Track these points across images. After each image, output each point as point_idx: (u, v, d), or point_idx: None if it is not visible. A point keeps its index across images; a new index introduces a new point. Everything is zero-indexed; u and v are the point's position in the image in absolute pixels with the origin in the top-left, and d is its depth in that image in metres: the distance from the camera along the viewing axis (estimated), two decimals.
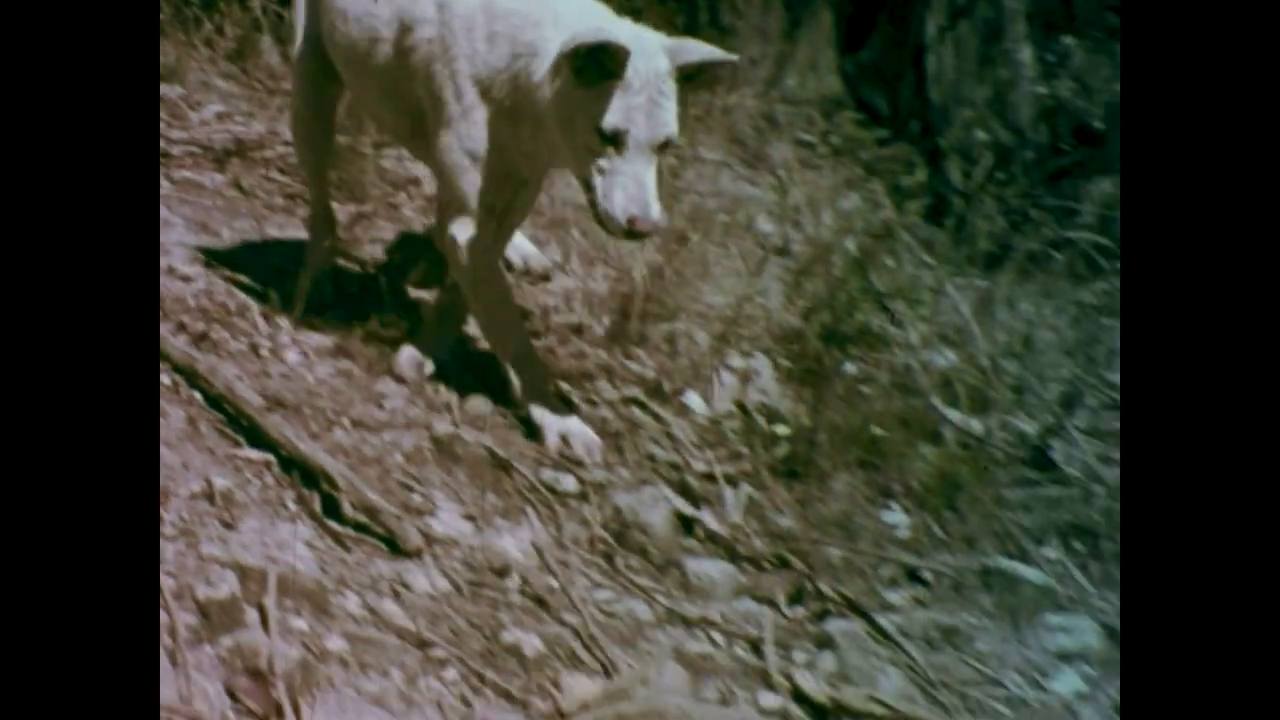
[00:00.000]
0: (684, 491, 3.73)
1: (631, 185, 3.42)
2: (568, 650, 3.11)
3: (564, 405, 3.80)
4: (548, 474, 3.60)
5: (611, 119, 3.42)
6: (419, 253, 4.34)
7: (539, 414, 3.75)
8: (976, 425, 4.16)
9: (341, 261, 4.35)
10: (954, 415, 4.20)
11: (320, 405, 3.56)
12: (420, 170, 4.87)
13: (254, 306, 3.87)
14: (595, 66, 3.41)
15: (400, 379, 3.78)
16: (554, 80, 3.49)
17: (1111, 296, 4.81)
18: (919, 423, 4.09)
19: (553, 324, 4.26)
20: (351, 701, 2.77)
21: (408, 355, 3.82)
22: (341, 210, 4.61)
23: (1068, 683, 3.60)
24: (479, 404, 3.78)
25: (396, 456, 3.48)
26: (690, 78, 3.49)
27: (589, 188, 3.47)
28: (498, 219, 3.76)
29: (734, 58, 3.52)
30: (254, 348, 3.73)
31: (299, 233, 4.44)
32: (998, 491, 3.99)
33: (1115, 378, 4.66)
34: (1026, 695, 3.53)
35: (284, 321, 3.86)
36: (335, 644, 2.87)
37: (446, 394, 3.78)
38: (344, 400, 3.62)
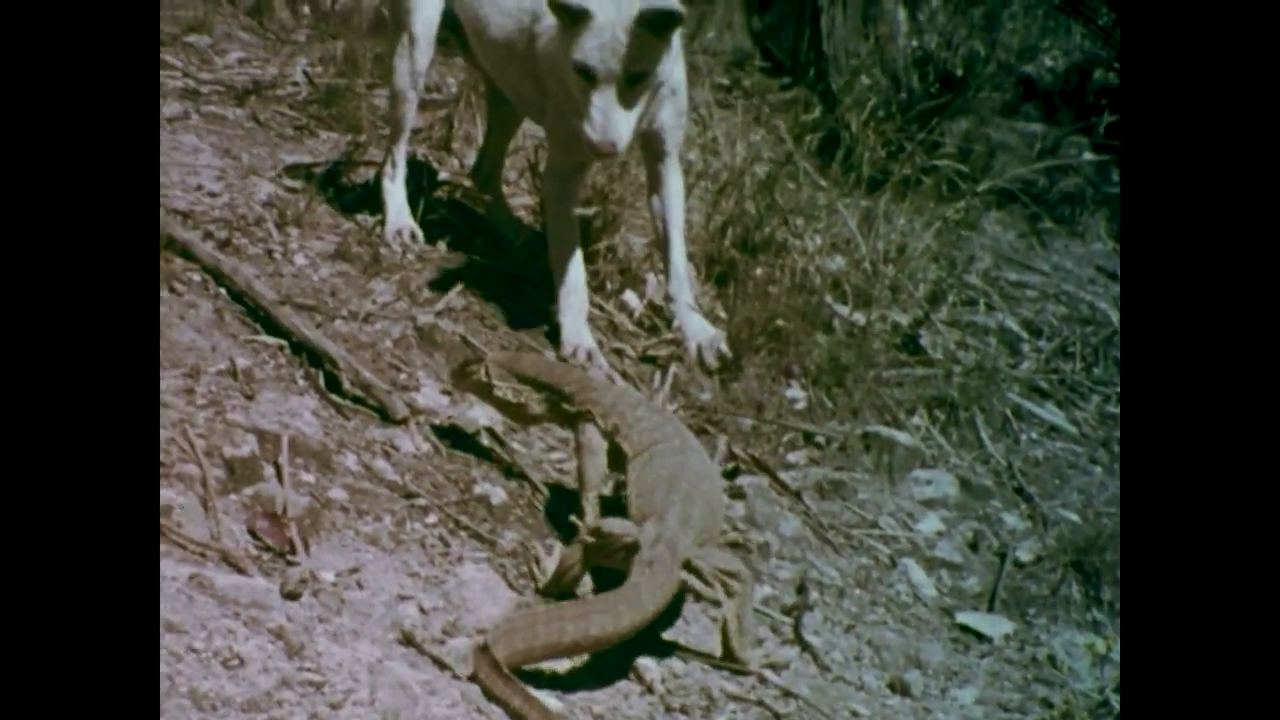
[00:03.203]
0: (623, 373, 3.71)
1: (598, 115, 3.38)
2: (527, 500, 3.10)
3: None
4: None
5: (578, 55, 3.38)
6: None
7: (566, 326, 3.69)
8: (860, 317, 4.15)
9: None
10: (842, 309, 4.19)
11: (323, 300, 3.52)
12: None
13: (269, 218, 3.81)
14: (569, 13, 3.37)
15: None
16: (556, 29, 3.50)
17: (970, 212, 4.81)
18: (814, 316, 4.07)
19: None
20: (350, 541, 2.76)
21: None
22: (340, 140, 4.54)
23: (930, 524, 3.62)
24: (454, 299, 3.73)
25: (387, 342, 3.45)
26: (654, 26, 3.39)
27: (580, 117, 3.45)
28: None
29: (680, 10, 3.43)
30: (269, 252, 3.68)
31: (305, 157, 4.38)
32: (877, 371, 3.99)
33: (972, 279, 4.66)
34: (898, 534, 3.54)
35: (293, 230, 3.80)
36: (337, 494, 2.85)
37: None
38: (343, 296, 3.58)
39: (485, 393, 3.17)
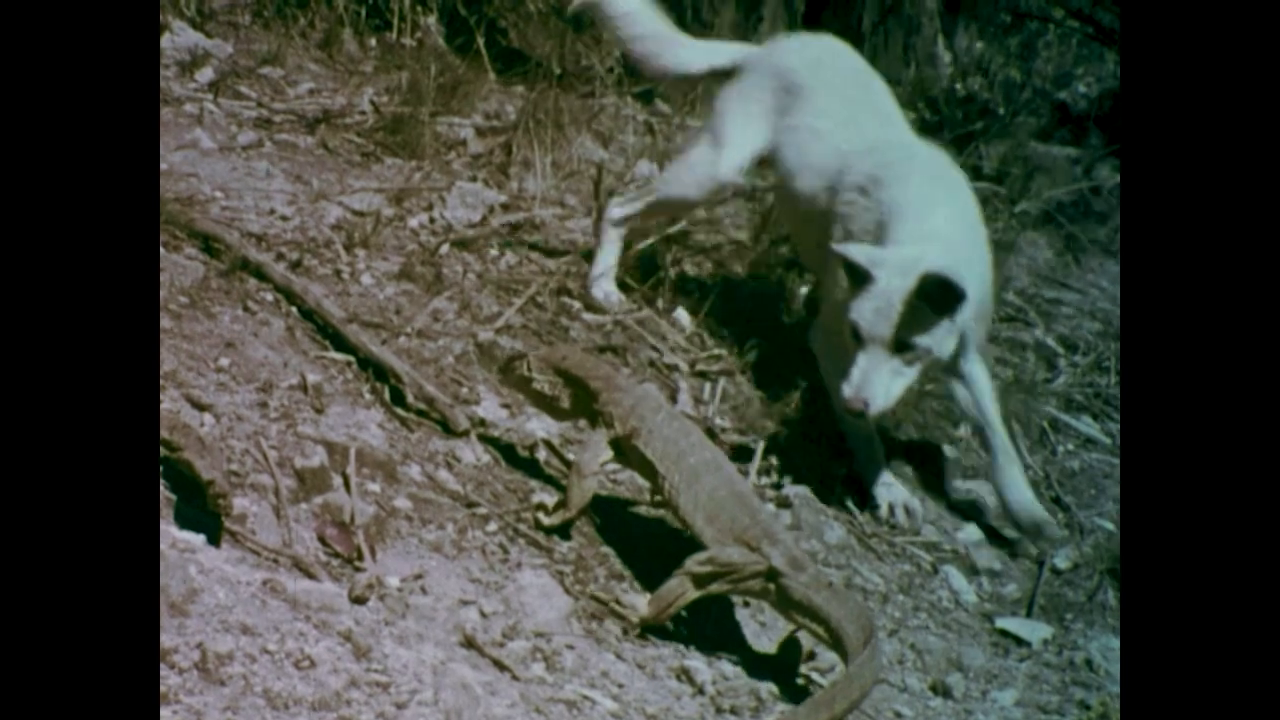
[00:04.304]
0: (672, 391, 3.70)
1: (857, 374, 3.28)
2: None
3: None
4: None
5: (853, 314, 3.30)
6: None
7: (873, 482, 3.58)
8: None
9: None
10: None
11: (389, 318, 3.53)
12: (465, 133, 4.81)
13: (337, 240, 3.83)
14: (854, 274, 3.31)
15: None
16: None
17: (1007, 232, 4.78)
18: None
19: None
20: (415, 548, 2.77)
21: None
22: (405, 166, 4.55)
23: (970, 533, 3.59)
24: (512, 316, 3.73)
25: (449, 358, 3.45)
26: (931, 299, 3.27)
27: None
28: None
29: (962, 289, 3.26)
30: (337, 273, 3.69)
31: (373, 182, 4.38)
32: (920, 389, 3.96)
33: (1010, 296, 4.62)
34: (939, 542, 3.52)
35: (360, 252, 3.81)
36: (402, 503, 2.86)
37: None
38: (407, 314, 3.58)
39: (525, 387, 3.08)
